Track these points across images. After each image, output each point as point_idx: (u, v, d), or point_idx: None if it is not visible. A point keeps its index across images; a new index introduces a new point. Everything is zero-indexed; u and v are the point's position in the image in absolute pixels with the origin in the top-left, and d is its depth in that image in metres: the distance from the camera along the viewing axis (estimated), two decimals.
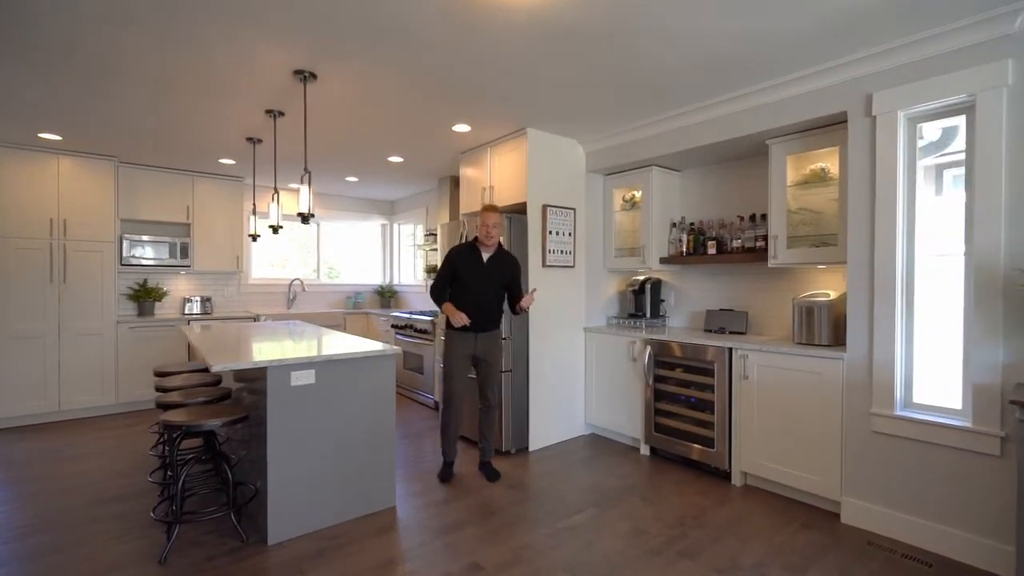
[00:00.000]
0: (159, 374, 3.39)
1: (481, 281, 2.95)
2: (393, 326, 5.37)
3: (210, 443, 2.54)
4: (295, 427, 2.37)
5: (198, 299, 5.30)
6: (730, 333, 3.36)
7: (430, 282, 5.39)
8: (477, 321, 2.97)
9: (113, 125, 3.64)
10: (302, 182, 2.72)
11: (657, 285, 3.91)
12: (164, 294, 5.16)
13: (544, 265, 3.65)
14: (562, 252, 3.77)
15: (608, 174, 4.03)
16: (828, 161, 2.87)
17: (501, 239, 3.13)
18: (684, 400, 3.25)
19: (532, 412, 3.59)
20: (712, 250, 3.45)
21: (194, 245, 5.13)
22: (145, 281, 5.02)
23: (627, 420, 3.60)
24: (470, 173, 4.18)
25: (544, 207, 3.65)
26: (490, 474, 3.07)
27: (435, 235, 5.51)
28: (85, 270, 4.42)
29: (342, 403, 2.53)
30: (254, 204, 4.10)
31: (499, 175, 3.85)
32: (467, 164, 4.22)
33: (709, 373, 3.09)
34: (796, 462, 2.68)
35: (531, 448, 3.60)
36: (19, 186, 4.13)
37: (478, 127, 3.59)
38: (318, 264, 6.53)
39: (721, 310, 3.51)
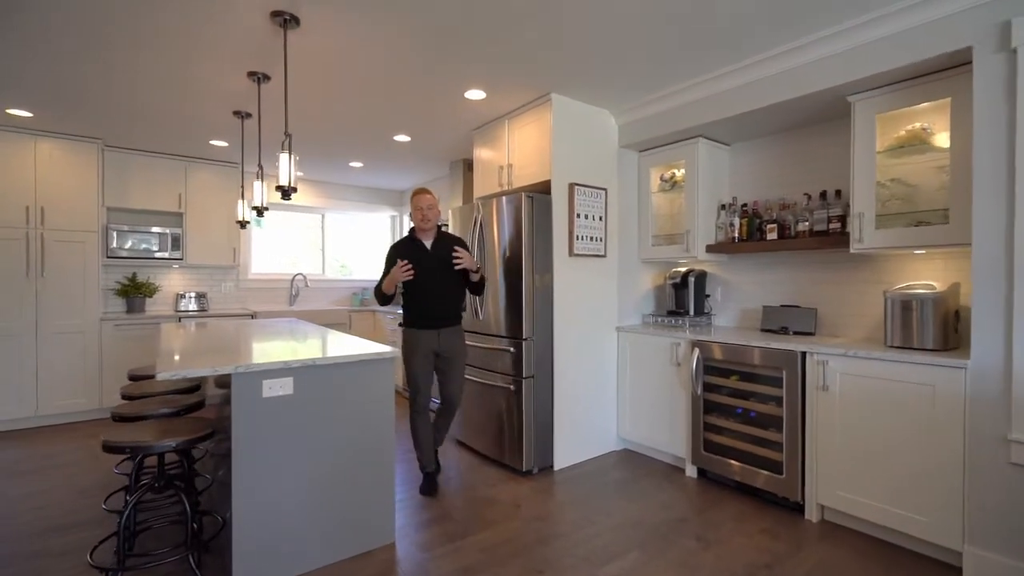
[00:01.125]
0: (133, 378, 2.98)
1: (431, 271, 2.71)
2: (401, 325, 4.90)
3: (167, 466, 2.10)
4: (268, 447, 1.91)
5: (193, 295, 4.91)
6: (794, 334, 2.81)
7: None
8: (437, 316, 2.74)
9: (88, 99, 3.23)
10: (283, 148, 2.26)
11: (702, 278, 3.37)
12: (155, 289, 4.78)
13: (572, 254, 3.14)
14: (592, 239, 3.26)
15: (644, 150, 3.50)
16: (931, 119, 2.30)
17: (438, 224, 2.86)
18: (741, 414, 2.71)
19: (557, 425, 3.09)
20: (772, 235, 2.90)
21: (187, 236, 4.74)
22: (134, 275, 4.64)
23: (669, 435, 3.06)
24: (485, 152, 3.69)
25: (571, 186, 3.13)
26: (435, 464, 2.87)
27: (447, 225, 5.03)
28: (65, 262, 4.05)
29: (328, 417, 2.06)
30: (242, 188, 3.66)
31: (519, 151, 3.35)
32: (482, 142, 3.73)
33: (775, 382, 2.55)
34: (895, 497, 2.13)
35: (556, 467, 3.09)
36: None
37: (495, 93, 3.10)
38: (323, 258, 6.11)
39: (782, 306, 2.96)
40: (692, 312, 3.32)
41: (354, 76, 2.86)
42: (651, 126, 3.23)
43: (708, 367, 2.86)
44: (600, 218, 3.30)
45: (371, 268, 6.50)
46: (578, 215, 3.16)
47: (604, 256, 3.34)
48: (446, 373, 2.81)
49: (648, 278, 3.63)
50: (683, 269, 3.40)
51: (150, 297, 4.77)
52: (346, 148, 4.43)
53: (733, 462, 2.72)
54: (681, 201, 3.35)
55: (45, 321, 3.96)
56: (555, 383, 3.08)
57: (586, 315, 3.25)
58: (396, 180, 5.82)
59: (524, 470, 2.99)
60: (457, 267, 2.66)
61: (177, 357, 2.00)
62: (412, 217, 2.75)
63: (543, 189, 3.23)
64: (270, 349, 2.22)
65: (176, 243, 4.67)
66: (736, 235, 3.10)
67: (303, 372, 1.98)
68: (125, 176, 4.43)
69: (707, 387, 2.87)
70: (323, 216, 6.07)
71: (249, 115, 3.49)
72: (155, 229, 4.56)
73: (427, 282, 2.70)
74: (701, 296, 3.38)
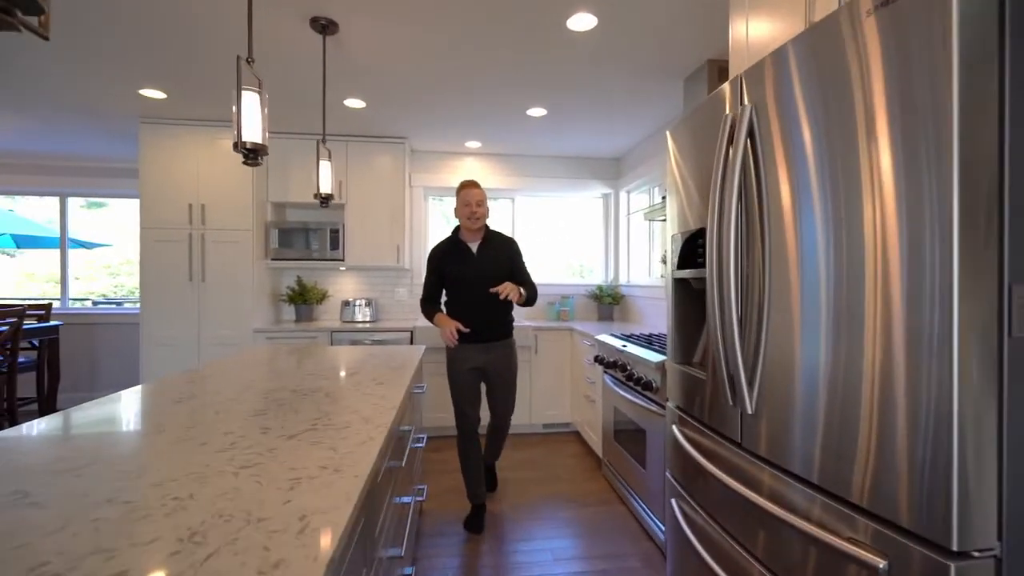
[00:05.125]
0: None
1: (476, 278, 2.34)
2: (598, 360, 3.02)
3: None
4: None
5: (361, 303, 4.11)
6: None
7: (665, 280, 2.82)
8: (483, 328, 2.37)
9: (205, 65, 2.46)
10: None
11: None
12: (324, 295, 4.14)
13: None
14: None
15: None
16: None
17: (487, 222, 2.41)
18: None
19: None
20: None
21: (346, 232, 3.92)
22: (299, 279, 4.06)
23: None
24: None
25: None
26: (489, 481, 2.74)
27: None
28: (224, 265, 3.60)
29: None
30: (327, 152, 2.37)
31: None
32: None
33: None
34: None
35: None
36: (156, 165, 3.50)
37: None
38: None
39: None
40: None
41: None
42: None
43: None
44: None
45: (570, 268, 4.79)
46: None
47: None
48: (494, 391, 2.48)
49: None
50: None
51: (319, 304, 4.16)
52: (500, 70, 2.79)
53: None
54: None
55: (206, 331, 3.58)
56: None
57: None
58: (602, 139, 3.95)
59: None
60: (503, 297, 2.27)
61: None
62: (458, 213, 2.36)
63: None
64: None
65: (335, 241, 3.89)
66: None
67: None
68: (284, 165, 3.84)
69: None
70: (513, 200, 4.66)
71: (332, 25, 2.18)
72: (313, 225, 3.86)
73: (472, 292, 2.34)
74: None
